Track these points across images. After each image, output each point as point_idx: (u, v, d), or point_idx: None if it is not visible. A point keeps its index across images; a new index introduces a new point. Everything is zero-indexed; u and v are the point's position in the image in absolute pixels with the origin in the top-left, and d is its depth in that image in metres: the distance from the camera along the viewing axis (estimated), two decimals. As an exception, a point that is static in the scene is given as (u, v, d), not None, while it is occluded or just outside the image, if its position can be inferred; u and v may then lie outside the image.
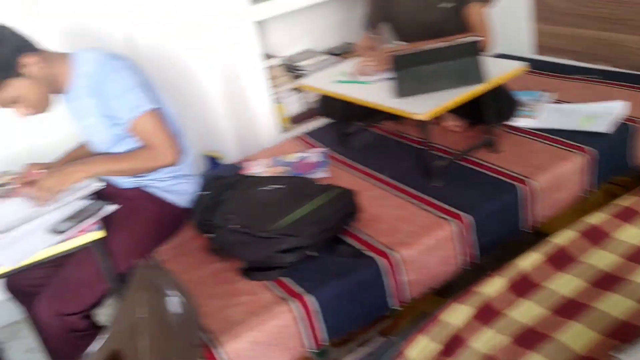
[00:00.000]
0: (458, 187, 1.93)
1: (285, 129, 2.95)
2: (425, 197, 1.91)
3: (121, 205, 1.77)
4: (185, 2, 2.62)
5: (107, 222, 1.72)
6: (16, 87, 1.68)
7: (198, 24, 2.67)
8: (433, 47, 1.91)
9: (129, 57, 1.86)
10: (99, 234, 1.66)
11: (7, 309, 2.37)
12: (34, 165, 1.94)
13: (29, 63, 1.69)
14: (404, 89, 1.92)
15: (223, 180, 1.98)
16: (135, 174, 1.88)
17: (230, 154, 3.07)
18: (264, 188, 1.89)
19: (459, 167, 2.05)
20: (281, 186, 1.90)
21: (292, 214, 1.72)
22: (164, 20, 2.64)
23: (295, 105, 3.09)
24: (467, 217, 1.79)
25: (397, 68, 1.91)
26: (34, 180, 1.86)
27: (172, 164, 1.81)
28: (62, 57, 1.81)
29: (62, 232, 1.64)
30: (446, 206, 1.84)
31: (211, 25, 2.73)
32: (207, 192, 1.93)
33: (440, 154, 2.10)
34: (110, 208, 1.74)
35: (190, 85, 2.80)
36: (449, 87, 1.90)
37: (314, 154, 2.31)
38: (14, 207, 1.85)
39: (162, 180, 1.93)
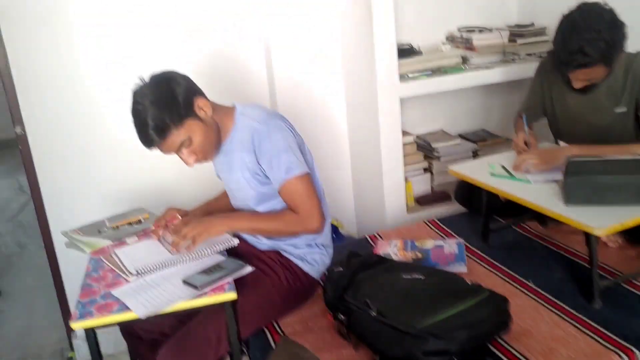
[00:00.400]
0: (626, 314, 1.71)
1: (410, 209, 2.82)
2: (586, 319, 1.70)
3: (254, 267, 1.68)
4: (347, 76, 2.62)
5: (237, 281, 1.63)
6: (192, 128, 1.66)
7: (352, 91, 2.66)
8: (616, 158, 1.75)
9: (286, 118, 1.82)
10: (233, 296, 1.57)
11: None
12: (174, 209, 1.90)
13: (203, 105, 1.67)
14: (574, 197, 1.75)
15: (359, 259, 1.85)
16: (277, 236, 1.80)
17: (348, 224, 2.98)
18: (406, 276, 1.75)
19: (624, 290, 1.83)
20: (422, 277, 1.75)
21: (441, 313, 1.56)
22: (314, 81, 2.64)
23: (422, 185, 2.97)
24: None
25: (570, 173, 1.75)
26: (174, 225, 1.82)
27: (316, 232, 1.72)
28: (224, 108, 1.79)
29: (197, 286, 1.56)
30: (613, 335, 1.62)
31: (359, 94, 2.70)
32: (341, 269, 1.81)
33: (599, 272, 1.89)
34: (248, 269, 1.65)
35: (324, 145, 2.77)
36: (628, 203, 1.71)
37: (450, 244, 2.15)
38: (148, 249, 1.81)
39: (298, 247, 1.83)
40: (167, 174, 2.65)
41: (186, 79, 1.71)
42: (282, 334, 1.77)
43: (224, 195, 2.02)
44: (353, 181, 2.98)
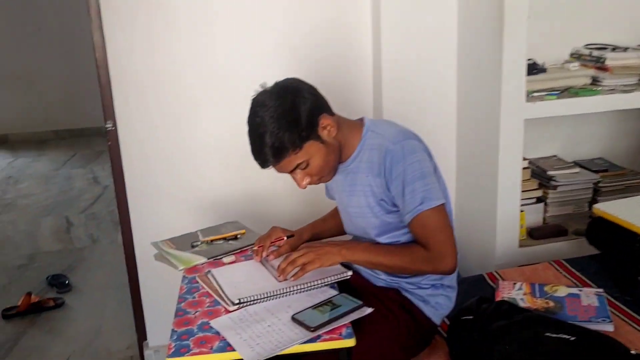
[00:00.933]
0: None
1: (521, 244, 2.51)
2: None
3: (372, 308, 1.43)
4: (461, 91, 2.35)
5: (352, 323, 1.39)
6: (311, 150, 1.44)
7: (466, 108, 2.39)
8: None
9: (420, 137, 1.56)
10: (351, 342, 1.32)
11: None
12: (279, 229, 1.68)
13: (328, 125, 1.45)
14: None
15: (491, 305, 1.57)
16: (402, 273, 1.54)
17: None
18: (551, 335, 1.46)
19: None
20: (571, 337, 1.46)
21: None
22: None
23: (534, 216, 2.66)
24: None
25: None
26: (280, 248, 1.61)
27: (448, 273, 1.47)
28: (350, 122, 1.56)
29: (311, 328, 1.33)
30: None
31: (475, 112, 2.42)
32: (470, 317, 1.54)
33: None
34: (367, 311, 1.41)
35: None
36: None
37: (588, 295, 1.84)
38: (249, 273, 1.60)
39: (421, 287, 1.58)
40: (262, 184, 2.44)
41: (312, 92, 1.49)
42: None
43: (333, 217, 1.79)
44: (457, 207, 2.69)
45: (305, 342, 1.30)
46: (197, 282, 1.61)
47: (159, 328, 2.52)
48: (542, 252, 2.45)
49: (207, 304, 1.50)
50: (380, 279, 1.60)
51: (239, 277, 1.57)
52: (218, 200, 2.46)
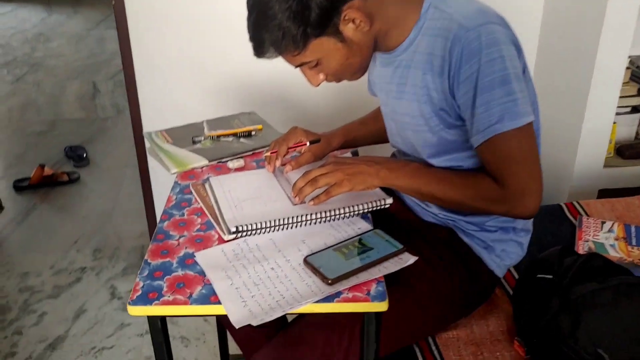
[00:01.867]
0: None
1: (606, 162, 2.03)
2: None
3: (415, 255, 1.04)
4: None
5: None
6: (322, 49, 1.02)
7: None
8: None
9: (507, 21, 1.06)
10: (382, 307, 0.94)
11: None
12: (301, 130, 1.26)
13: (357, 18, 0.97)
14: None
15: (577, 261, 1.16)
16: (461, 210, 1.12)
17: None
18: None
19: None
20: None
21: None
22: None
23: (626, 130, 2.15)
24: None
25: None
26: (300, 157, 1.20)
27: (528, 217, 1.04)
28: (401, 3, 1.06)
29: (329, 280, 0.95)
30: None
31: None
32: (550, 277, 1.13)
33: None
34: (410, 260, 1.01)
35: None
36: None
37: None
38: (257, 188, 1.20)
39: (487, 230, 1.16)
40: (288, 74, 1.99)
41: None
42: (438, 357, 1.16)
43: (376, 119, 1.35)
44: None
45: (317, 302, 0.92)
46: (191, 193, 1.24)
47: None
48: (630, 176, 1.99)
49: (197, 226, 1.13)
50: (430, 212, 1.19)
51: (244, 192, 1.18)
52: (237, 87, 2.04)
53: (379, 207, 1.11)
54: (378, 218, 1.13)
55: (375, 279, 0.97)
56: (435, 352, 1.15)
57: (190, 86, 2.08)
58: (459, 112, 1.03)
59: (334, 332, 1.05)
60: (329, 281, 0.95)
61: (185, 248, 1.06)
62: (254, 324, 0.87)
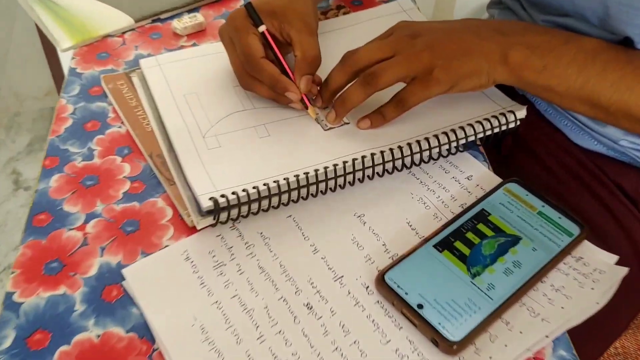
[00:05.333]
0: None
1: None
2: None
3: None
4: None
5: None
6: None
7: None
8: None
9: None
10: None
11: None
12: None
13: None
14: None
15: None
16: None
17: None
18: None
19: None
20: None
21: None
22: None
23: None
24: None
25: None
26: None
27: None
28: None
29: (457, 346, 0.40)
30: None
31: None
32: None
33: None
34: (620, 271, 0.47)
35: None
36: None
37: None
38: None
39: None
40: None
41: None
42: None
43: None
44: None
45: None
46: (104, 96, 0.61)
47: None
48: None
49: (124, 188, 0.52)
50: (606, 139, 0.60)
51: (221, 99, 0.56)
52: None
53: (504, 129, 0.54)
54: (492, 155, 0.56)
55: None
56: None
57: None
58: None
59: None
60: (453, 346, 0.40)
61: (102, 253, 0.47)
62: None
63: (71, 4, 0.70)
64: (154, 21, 0.72)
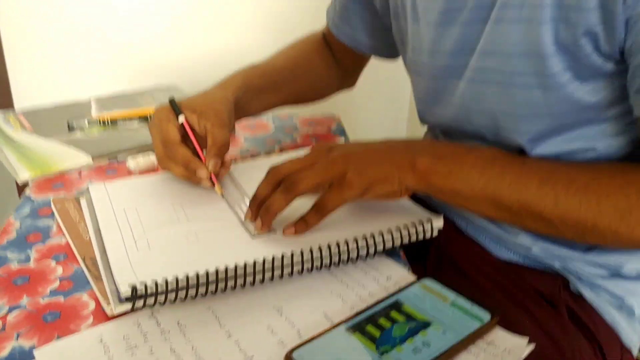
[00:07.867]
0: None
1: None
2: None
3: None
4: None
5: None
6: None
7: None
8: None
9: None
10: None
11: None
12: (220, 121, 0.67)
13: None
14: None
15: None
16: (590, 239, 0.57)
17: None
18: None
19: None
20: None
21: None
22: None
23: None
24: None
25: None
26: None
27: None
28: None
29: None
30: None
31: None
32: None
33: None
34: (525, 348, 0.47)
35: None
36: None
37: None
38: (182, 199, 0.63)
39: (625, 276, 0.64)
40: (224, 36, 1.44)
41: None
42: None
43: (302, 67, 0.82)
44: None
45: None
46: (51, 216, 0.65)
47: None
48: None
49: (53, 283, 0.54)
50: (517, 244, 0.64)
51: (154, 213, 0.61)
52: (150, 56, 1.47)
53: (421, 237, 0.58)
54: (412, 254, 0.59)
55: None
56: None
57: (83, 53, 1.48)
58: (623, 54, 0.51)
59: None
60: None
61: (17, 337, 0.48)
62: None
63: (35, 143, 0.78)
64: (110, 160, 0.79)
